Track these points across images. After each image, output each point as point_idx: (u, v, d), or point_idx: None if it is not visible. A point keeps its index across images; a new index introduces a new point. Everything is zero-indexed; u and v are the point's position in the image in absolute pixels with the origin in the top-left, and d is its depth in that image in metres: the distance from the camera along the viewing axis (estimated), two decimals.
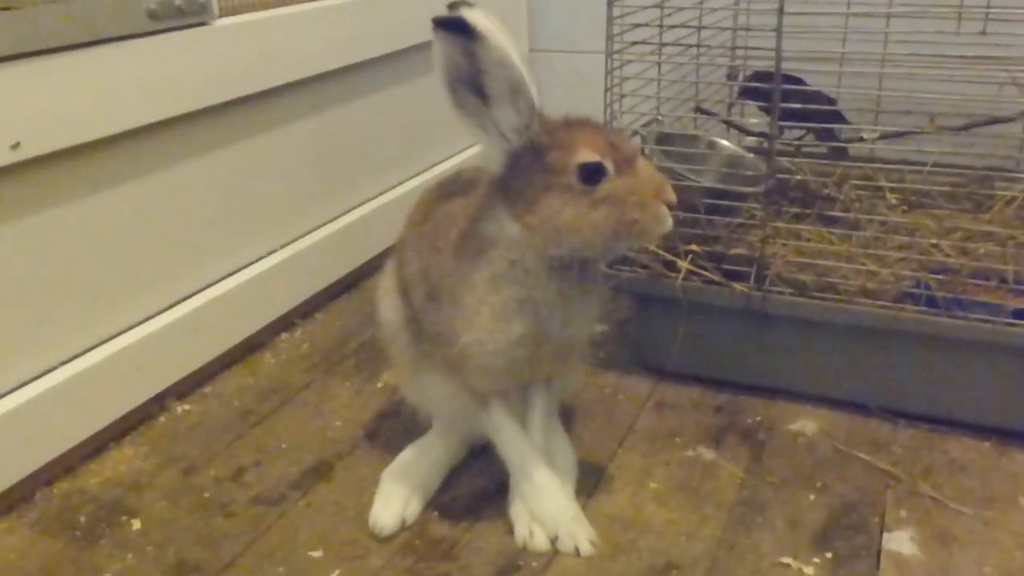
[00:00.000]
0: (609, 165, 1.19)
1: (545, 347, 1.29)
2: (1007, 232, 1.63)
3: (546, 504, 1.35)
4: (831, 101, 1.84)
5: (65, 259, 1.55)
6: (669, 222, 1.22)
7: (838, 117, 1.86)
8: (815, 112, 1.66)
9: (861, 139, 1.85)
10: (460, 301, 1.26)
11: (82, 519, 1.44)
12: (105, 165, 1.59)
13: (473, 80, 1.15)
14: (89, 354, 1.59)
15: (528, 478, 1.36)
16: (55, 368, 1.54)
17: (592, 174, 1.19)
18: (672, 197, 1.21)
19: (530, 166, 1.20)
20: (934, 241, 1.64)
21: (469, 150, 2.58)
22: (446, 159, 2.58)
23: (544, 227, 1.20)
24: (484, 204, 1.26)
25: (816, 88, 1.79)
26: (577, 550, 1.33)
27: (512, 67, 1.14)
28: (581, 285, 1.28)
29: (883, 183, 1.83)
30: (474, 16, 1.12)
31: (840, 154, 1.91)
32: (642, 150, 1.74)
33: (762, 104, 1.83)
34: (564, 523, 1.34)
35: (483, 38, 1.11)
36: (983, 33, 1.51)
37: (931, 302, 1.53)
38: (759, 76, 1.75)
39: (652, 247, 1.65)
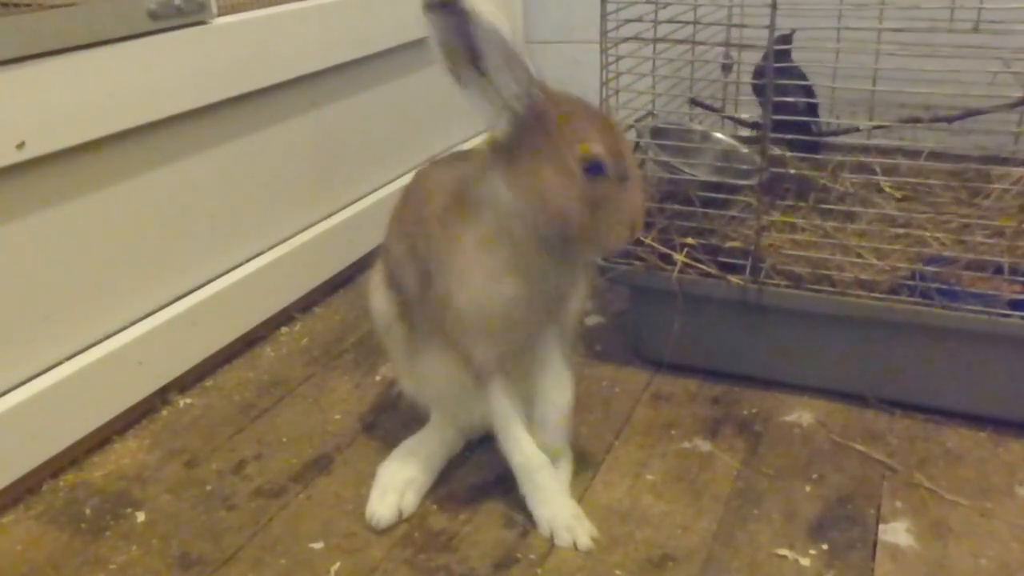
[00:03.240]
0: (610, 168, 1.21)
1: (538, 302, 1.31)
2: (1004, 222, 1.62)
3: (546, 507, 1.36)
4: (810, 93, 1.84)
5: (69, 256, 1.57)
6: (622, 245, 1.29)
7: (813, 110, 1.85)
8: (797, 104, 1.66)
9: (857, 129, 1.85)
10: (452, 264, 1.27)
11: (87, 511, 1.46)
12: (107, 163, 1.60)
13: (470, 57, 1.18)
14: (93, 349, 1.61)
15: (530, 478, 1.37)
16: (60, 363, 1.56)
17: (593, 168, 1.21)
18: (639, 230, 1.26)
19: (535, 137, 1.22)
20: (929, 232, 1.64)
21: (466, 144, 2.58)
22: (443, 154, 2.58)
23: (534, 198, 1.22)
24: (480, 168, 1.27)
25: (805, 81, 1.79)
26: (575, 544, 1.33)
27: (502, 38, 1.16)
28: (567, 257, 1.30)
29: (878, 173, 1.83)
30: None
31: (815, 147, 1.90)
32: (637, 144, 1.75)
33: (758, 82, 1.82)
34: (564, 519, 1.35)
35: (471, 14, 1.14)
36: (976, 23, 1.51)
37: (926, 293, 1.53)
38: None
39: (647, 239, 1.66)
